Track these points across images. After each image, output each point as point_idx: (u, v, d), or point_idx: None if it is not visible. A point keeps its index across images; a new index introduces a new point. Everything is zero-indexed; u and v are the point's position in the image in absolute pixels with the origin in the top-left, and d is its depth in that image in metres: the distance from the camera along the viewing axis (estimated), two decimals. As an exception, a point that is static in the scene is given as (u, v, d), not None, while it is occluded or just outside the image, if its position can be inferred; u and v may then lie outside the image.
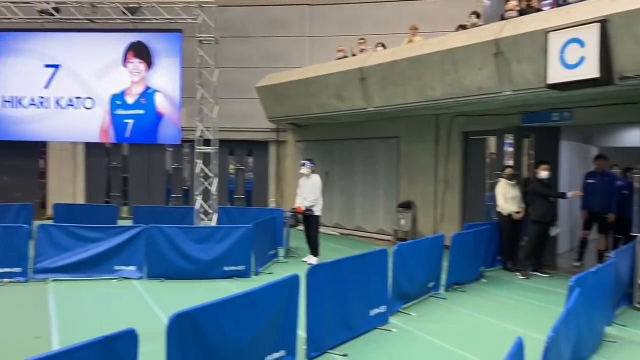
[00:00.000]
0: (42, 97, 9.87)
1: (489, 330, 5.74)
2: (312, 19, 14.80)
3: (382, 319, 5.70)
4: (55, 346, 4.95)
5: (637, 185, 7.91)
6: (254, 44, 14.90)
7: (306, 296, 4.63)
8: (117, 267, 7.83)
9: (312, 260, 9.01)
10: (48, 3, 10.15)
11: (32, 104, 9.90)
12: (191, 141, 11.34)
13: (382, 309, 5.72)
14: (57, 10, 10.03)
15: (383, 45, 11.02)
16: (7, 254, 7.45)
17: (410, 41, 10.52)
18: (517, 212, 8.53)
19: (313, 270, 4.73)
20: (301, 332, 4.63)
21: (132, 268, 7.85)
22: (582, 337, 4.49)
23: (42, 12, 10.01)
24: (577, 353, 4.42)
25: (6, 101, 9.96)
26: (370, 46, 11.44)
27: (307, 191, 9.14)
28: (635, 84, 6.74)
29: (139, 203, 13.24)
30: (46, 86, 9.86)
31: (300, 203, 9.21)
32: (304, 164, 9.30)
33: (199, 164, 10.15)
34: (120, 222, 11.35)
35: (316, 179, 9.22)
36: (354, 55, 11.59)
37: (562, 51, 7.01)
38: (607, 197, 8.86)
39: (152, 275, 7.76)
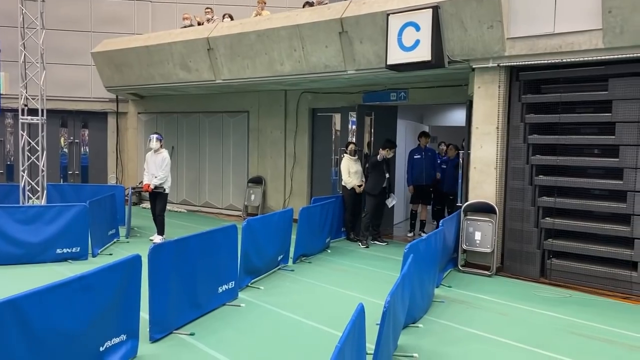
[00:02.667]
0: None
1: (334, 298, 6.02)
2: (155, -18, 13.90)
3: (231, 295, 5.67)
4: None
5: (459, 161, 8.82)
6: (87, 4, 13.57)
7: (149, 276, 4.40)
8: None
9: (158, 239, 8.62)
10: None
11: None
12: (14, 110, 10.05)
13: (231, 284, 5.68)
14: None
15: (230, 17, 10.76)
16: None
17: (258, 14, 10.40)
18: (360, 186, 9.02)
19: (155, 250, 4.50)
20: (145, 315, 4.40)
21: (-61, 256, 6.79)
22: (415, 299, 4.91)
23: None
24: (411, 313, 4.84)
25: None
26: (217, 16, 11.09)
27: (155, 167, 8.65)
28: (462, 67, 7.44)
29: (-51, 181, 11.46)
30: None
31: (148, 180, 8.69)
32: (151, 139, 8.77)
33: (24, 136, 9.04)
34: None
35: (165, 154, 8.76)
36: (200, 24, 11.15)
37: (400, 34, 7.44)
38: (431, 170, 9.80)
39: (-34, 263, 6.80)
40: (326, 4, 9.14)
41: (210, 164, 12.67)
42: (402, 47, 7.44)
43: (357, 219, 9.28)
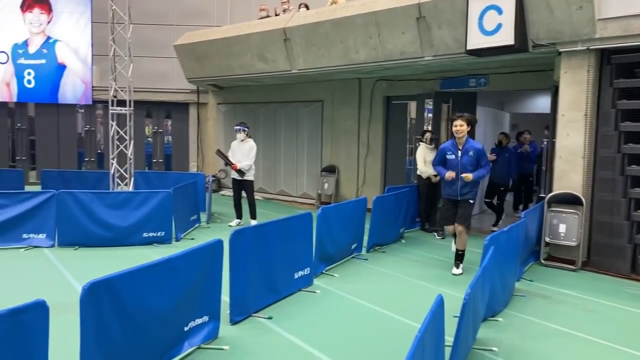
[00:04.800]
0: None
1: (408, 288, 5.96)
2: (233, -25, 14.24)
3: (306, 281, 5.76)
4: (-45, 322, 4.57)
5: (542, 150, 8.43)
6: (172, -1, 14.14)
7: (229, 261, 4.56)
8: (25, 236, 7.35)
9: (254, 222, 8.88)
10: None
11: None
12: (104, 102, 10.69)
13: (306, 271, 5.77)
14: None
15: (306, 6, 10.83)
16: None
17: (334, 2, 10.39)
18: (435, 176, 8.82)
19: (236, 235, 4.65)
20: (225, 298, 4.57)
21: (42, 236, 7.39)
22: (496, 292, 4.76)
23: None
24: (491, 307, 4.70)
25: None
26: (294, 6, 11.20)
27: (241, 155, 8.95)
28: (547, 52, 7.07)
29: (48, 167, 12.41)
30: None
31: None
32: (239, 130, 9.06)
33: (114, 126, 9.60)
34: (28, 188, 10.63)
35: (252, 143, 9.05)
36: (277, 15, 11.31)
37: (481, 17, 7.18)
38: (507, 171, 9.48)
39: (64, 243, 7.35)
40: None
41: (285, 152, 12.88)
42: (483, 31, 7.17)
43: (432, 209, 9.11)
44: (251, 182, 9.12)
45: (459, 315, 3.28)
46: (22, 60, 8.88)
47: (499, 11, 6.98)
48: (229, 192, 10.80)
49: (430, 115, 9.79)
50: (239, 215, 9.34)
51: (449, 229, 6.61)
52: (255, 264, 4.93)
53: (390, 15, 8.44)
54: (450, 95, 9.66)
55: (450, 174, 6.25)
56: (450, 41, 7.92)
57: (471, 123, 6.22)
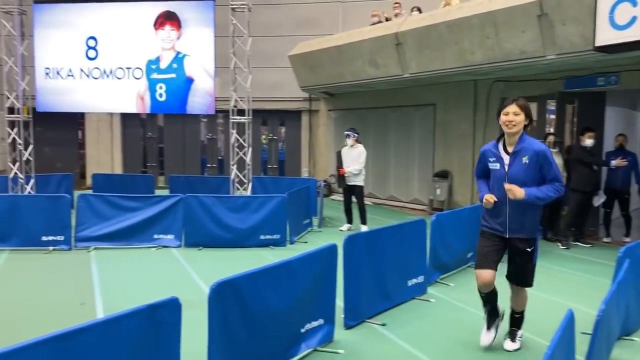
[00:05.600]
0: (79, 68, 9.98)
1: (532, 301, 5.54)
2: (345, -17, 14.46)
3: (420, 289, 5.65)
4: (100, 313, 5.09)
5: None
6: (286, 10, 14.69)
7: (344, 265, 4.60)
8: (156, 236, 7.98)
9: (364, 228, 8.96)
10: (82, -26, 10.21)
11: (69, 75, 10.04)
12: (225, 111, 11.34)
13: (420, 279, 5.66)
14: (91, -20, 10.06)
15: (419, 9, 10.70)
16: (51, 223, 7.67)
17: (447, 4, 10.15)
18: (559, 181, 8.26)
19: (350, 240, 4.69)
20: (339, 302, 4.62)
21: (170, 236, 7.99)
22: (631, 309, 4.34)
23: (76, -18, 10.06)
24: (625, 325, 4.29)
25: (46, 73, 10.12)
26: (406, 10, 11.11)
27: (351, 161, 9.07)
28: (692, 44, 6.35)
29: (175, 173, 13.43)
30: (83, 57, 9.95)
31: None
32: (348, 135, 9.20)
33: (234, 134, 10.14)
34: (157, 192, 11.57)
35: (361, 149, 9.13)
36: (388, 20, 11.28)
37: (611, 11, 6.63)
38: (628, 176, 8.47)
39: (189, 244, 7.89)
40: (522, -14, 8.52)
41: (396, 157, 12.78)
42: (615, 25, 6.61)
43: (555, 216, 8.53)
44: (361, 187, 9.17)
45: (590, 332, 3.03)
46: (154, 75, 9.71)
47: (634, 3, 6.39)
48: (340, 197, 10.94)
49: (553, 117, 9.19)
50: (350, 220, 9.44)
51: (482, 275, 4.07)
52: (369, 270, 4.93)
53: (509, 14, 8.07)
54: (575, 95, 9.01)
55: (489, 199, 3.92)
56: (576, 38, 7.38)
57: (529, 114, 3.92)
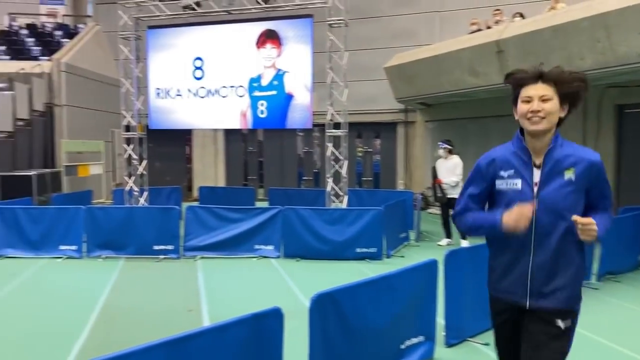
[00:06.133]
0: (187, 88, 10.65)
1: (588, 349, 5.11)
2: (441, -7, 14.24)
3: (526, 308, 5.34)
4: (206, 319, 5.34)
5: None
6: (381, 23, 14.73)
7: (444, 281, 4.47)
8: (257, 247, 8.26)
9: (465, 243, 8.70)
10: (190, -1, 10.94)
11: (178, 95, 10.73)
12: (321, 125, 11.54)
13: (526, 297, 5.35)
14: (198, 4, 10.70)
15: (521, 15, 10.26)
16: (162, 233, 8.20)
17: (552, 8, 9.64)
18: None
19: (452, 255, 4.55)
20: (440, 319, 4.49)
21: (270, 247, 8.22)
22: None
23: (185, 7, 10.75)
24: None
25: (157, 93, 10.91)
26: (507, 17, 10.69)
27: (446, 172, 8.86)
28: None
29: (274, 186, 13.86)
30: (191, 77, 10.61)
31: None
32: (440, 146, 9.04)
33: (330, 147, 10.27)
34: (258, 204, 11.99)
35: (456, 160, 8.89)
36: (488, 27, 10.92)
37: None
38: None
39: (288, 255, 8.07)
40: (639, -17, 7.90)
41: (497, 169, 12.24)
42: None
43: None
44: (455, 200, 8.85)
45: None
46: (256, 93, 10.11)
47: None
48: (437, 210, 10.67)
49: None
50: (448, 235, 9.16)
51: None
52: (471, 287, 4.75)
53: (624, 15, 7.49)
54: None
55: (524, 212, 2.21)
56: None
57: (569, 94, 2.35)
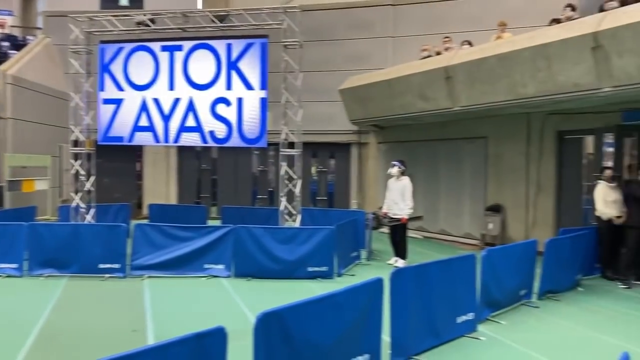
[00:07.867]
0: (139, 104, 10.51)
1: (587, 342, 5.36)
2: (395, 19, 14.66)
3: (469, 327, 5.50)
4: (151, 340, 5.23)
5: None
6: (336, 46, 14.99)
7: (390, 300, 4.56)
8: (207, 266, 8.15)
9: (400, 263, 8.87)
10: (145, 15, 10.82)
11: (130, 110, 10.58)
12: (276, 144, 11.59)
13: (470, 316, 5.51)
14: (152, 21, 10.64)
15: (469, 43, 10.67)
16: (108, 251, 7.98)
17: (498, 37, 10.11)
18: (618, 217, 7.92)
19: (397, 274, 4.65)
20: (385, 337, 4.56)
21: (220, 267, 8.13)
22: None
23: (139, 23, 10.66)
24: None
25: (106, 105, 10.71)
26: (456, 44, 11.12)
27: (396, 194, 9.03)
28: None
29: (227, 204, 13.73)
30: (144, 93, 10.50)
31: (387, 207, 9.17)
32: (393, 165, 9.20)
33: (284, 167, 10.32)
34: (210, 222, 11.84)
35: (406, 182, 9.05)
36: (438, 54, 11.32)
37: (671, 42, 6.42)
38: None
39: (239, 274, 8.00)
40: (576, 19, 8.41)
41: (446, 190, 12.59)
42: (675, 56, 6.39)
43: (615, 254, 8.14)
44: (405, 222, 9.06)
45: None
46: (214, 111, 10.20)
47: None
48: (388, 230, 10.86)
49: (611, 150, 8.88)
50: (397, 253, 9.32)
51: None
52: (416, 305, 4.86)
53: (562, 47, 7.94)
54: (636, 128, 8.68)
55: None
56: (634, 69, 7.17)
57: None
